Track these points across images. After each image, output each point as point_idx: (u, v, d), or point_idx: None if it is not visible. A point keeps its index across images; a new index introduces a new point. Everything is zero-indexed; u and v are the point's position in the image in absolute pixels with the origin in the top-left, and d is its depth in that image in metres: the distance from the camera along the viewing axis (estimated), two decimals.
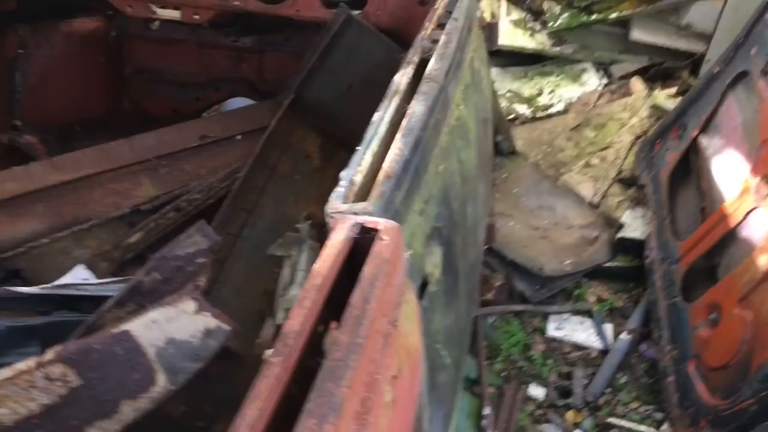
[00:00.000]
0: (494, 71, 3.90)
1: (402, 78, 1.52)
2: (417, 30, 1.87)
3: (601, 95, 3.71)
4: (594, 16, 3.72)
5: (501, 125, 3.19)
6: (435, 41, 1.69)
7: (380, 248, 1.00)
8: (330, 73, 2.39)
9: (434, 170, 1.45)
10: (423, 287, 1.34)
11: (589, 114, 3.56)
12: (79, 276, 1.97)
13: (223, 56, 2.99)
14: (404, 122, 1.33)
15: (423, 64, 1.58)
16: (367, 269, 0.97)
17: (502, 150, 3.27)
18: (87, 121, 3.12)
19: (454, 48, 1.68)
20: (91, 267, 2.08)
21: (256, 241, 2.27)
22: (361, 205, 1.11)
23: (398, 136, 1.29)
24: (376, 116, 1.36)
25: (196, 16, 2.41)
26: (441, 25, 1.78)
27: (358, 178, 1.19)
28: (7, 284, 1.88)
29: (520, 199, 3.19)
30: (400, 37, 2.35)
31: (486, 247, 2.71)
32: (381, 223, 1.04)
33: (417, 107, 1.38)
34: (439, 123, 1.50)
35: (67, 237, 2.17)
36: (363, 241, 1.02)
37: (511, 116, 3.67)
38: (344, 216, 1.07)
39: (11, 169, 2.47)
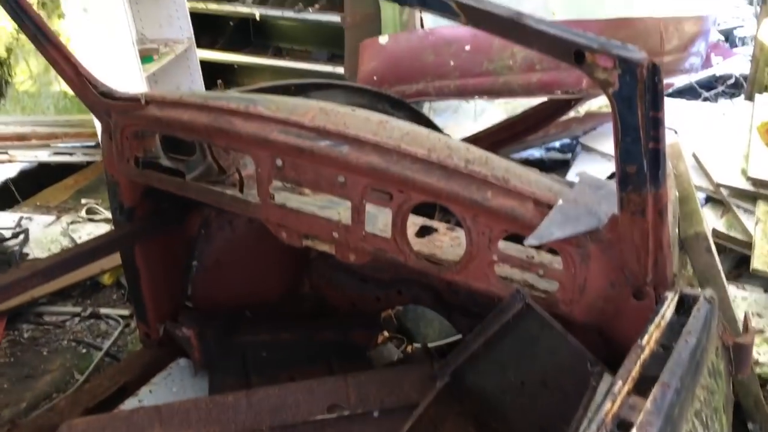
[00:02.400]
0: (760, 298, 2.89)
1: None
2: (627, 331, 1.46)
3: None
4: None
5: (751, 407, 2.23)
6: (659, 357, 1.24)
7: None
8: (499, 362, 1.73)
9: None
10: None
11: None
12: None
13: None
14: None
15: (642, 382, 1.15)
16: None
17: None
18: (261, 305, 2.84)
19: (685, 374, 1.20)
20: None
21: None
22: None
23: None
24: None
25: (352, 257, 1.94)
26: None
27: None
28: None
29: None
30: (602, 335, 1.63)
31: None
32: None
33: None
34: None
35: None
36: None
37: None
38: None
39: (117, 412, 2.20)
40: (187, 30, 4.60)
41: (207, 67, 4.98)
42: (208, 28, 5.04)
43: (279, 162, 1.92)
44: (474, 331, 1.74)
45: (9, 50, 4.80)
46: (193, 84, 4.76)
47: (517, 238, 1.65)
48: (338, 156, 1.79)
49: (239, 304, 2.81)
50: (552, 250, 1.64)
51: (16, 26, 4.75)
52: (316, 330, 2.73)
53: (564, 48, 1.20)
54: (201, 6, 5.03)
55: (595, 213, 1.53)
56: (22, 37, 4.82)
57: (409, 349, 3.06)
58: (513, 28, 1.25)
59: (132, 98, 2.19)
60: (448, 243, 1.98)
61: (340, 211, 1.95)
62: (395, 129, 1.85)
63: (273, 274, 2.80)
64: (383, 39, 3.60)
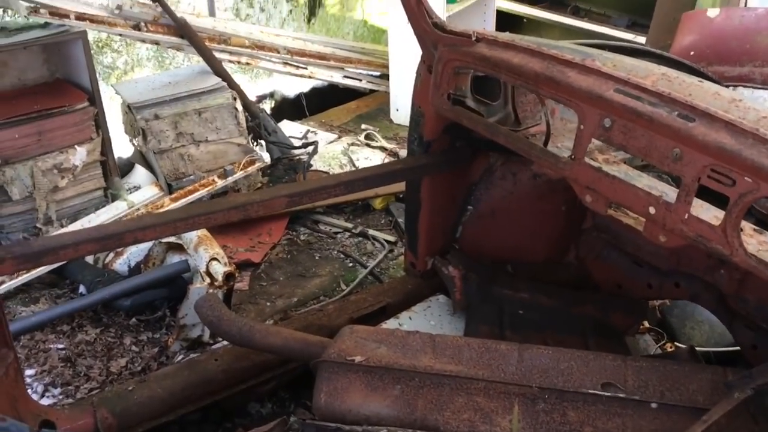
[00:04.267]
0: None
1: None
2: None
3: None
4: None
5: None
6: None
7: None
8: None
9: None
10: None
11: None
12: None
13: (701, 252, 2.28)
14: None
15: None
16: None
17: None
18: (522, 265, 2.80)
19: None
20: None
21: None
22: None
23: None
24: None
25: (662, 238, 1.80)
26: None
27: None
28: None
29: None
30: None
31: None
32: None
33: None
34: None
35: None
36: None
37: None
38: None
39: (395, 330, 2.29)
40: None
41: (499, 17, 4.95)
42: None
43: (607, 122, 1.82)
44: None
45: None
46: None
47: None
48: (681, 127, 1.65)
49: (503, 257, 2.80)
50: None
51: None
52: (577, 301, 2.63)
53: None
54: None
55: None
56: None
57: (668, 347, 2.86)
58: None
59: (463, 33, 2.20)
60: (758, 246, 1.77)
61: (644, 184, 1.82)
62: (750, 110, 1.66)
63: (543, 235, 2.74)
64: (712, 12, 3.28)
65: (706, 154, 1.62)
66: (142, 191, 3.58)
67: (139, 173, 3.77)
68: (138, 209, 3.44)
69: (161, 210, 3.33)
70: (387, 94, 4.86)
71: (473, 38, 2.16)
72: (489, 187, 2.69)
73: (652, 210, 1.78)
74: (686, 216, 1.70)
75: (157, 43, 4.04)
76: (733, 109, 1.64)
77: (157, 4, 3.80)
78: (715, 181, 1.63)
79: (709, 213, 1.72)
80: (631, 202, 1.84)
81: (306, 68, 4.68)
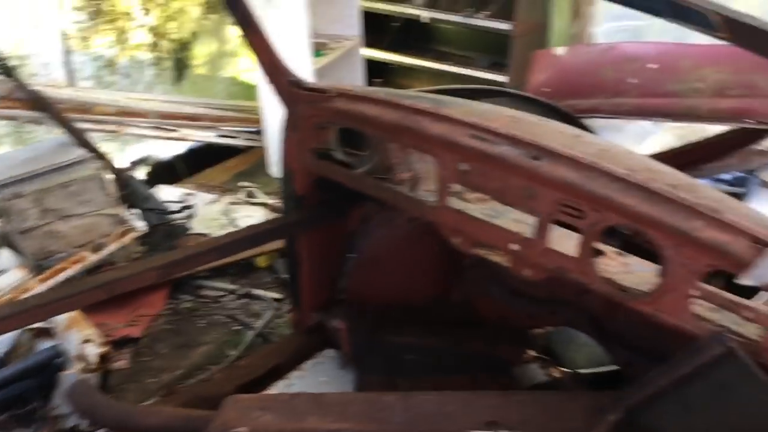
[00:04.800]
0: None
1: None
2: None
3: None
4: None
5: None
6: None
7: None
8: (684, 405, 1.60)
9: None
10: None
11: None
12: None
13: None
14: None
15: None
16: None
17: None
18: (410, 309, 2.83)
19: None
20: None
21: None
22: None
23: None
24: None
25: (528, 272, 1.87)
26: None
27: None
28: None
29: None
30: None
31: None
32: None
33: None
34: None
35: None
36: None
37: None
38: None
39: (279, 394, 2.25)
40: (356, 27, 4.69)
41: (367, 65, 5.07)
42: (373, 27, 5.12)
43: (464, 167, 1.88)
44: (659, 369, 1.62)
45: (194, 34, 5.09)
46: (356, 81, 4.85)
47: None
48: (530, 167, 1.73)
49: (390, 302, 2.81)
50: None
51: (203, 11, 5.05)
52: (464, 339, 2.67)
53: None
54: (371, 5, 5.12)
55: None
56: (206, 22, 5.12)
57: (554, 372, 2.94)
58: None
59: (321, 89, 2.23)
60: (618, 269, 1.87)
61: (507, 222, 1.89)
62: (591, 144, 1.77)
63: (426, 277, 2.78)
64: (560, 50, 3.49)
65: (554, 190, 1.70)
66: (6, 276, 3.36)
67: (4, 256, 3.55)
68: (4, 295, 3.23)
69: (29, 293, 3.14)
70: (264, 149, 4.85)
71: (329, 93, 2.19)
72: (367, 235, 2.70)
73: (514, 246, 1.84)
74: (546, 249, 1.77)
75: (13, 118, 3.85)
76: (576, 145, 1.74)
77: (8, 77, 3.63)
78: (568, 215, 1.71)
79: (570, 243, 1.80)
80: (495, 240, 1.89)
81: (178, 131, 4.59)
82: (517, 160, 1.75)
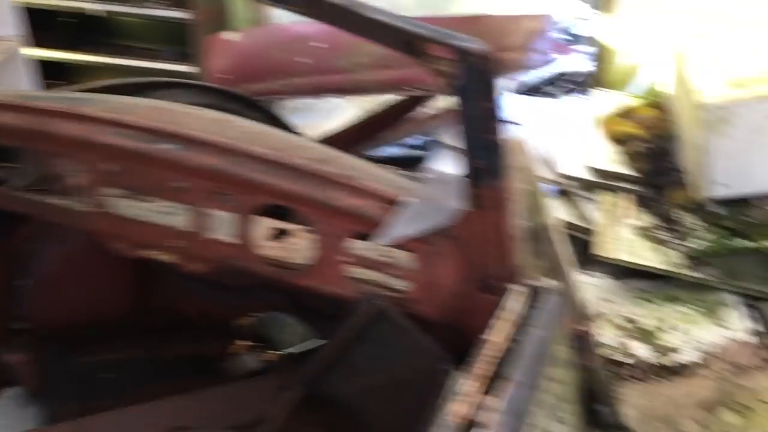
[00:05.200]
0: (607, 284, 3.04)
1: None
2: (481, 327, 1.37)
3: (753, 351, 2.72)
4: (747, 244, 2.99)
5: (601, 392, 2.32)
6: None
7: None
8: (354, 368, 1.67)
9: None
10: None
11: (730, 385, 2.58)
12: None
13: None
14: None
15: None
16: None
17: (605, 425, 2.37)
18: (107, 324, 2.62)
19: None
20: None
21: None
22: None
23: None
24: None
25: (197, 266, 1.81)
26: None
27: None
28: None
29: None
30: (461, 332, 1.61)
31: None
32: None
33: None
34: None
35: None
36: None
37: (625, 360, 2.75)
38: None
39: None
40: (14, 26, 4.21)
41: (48, 67, 4.63)
42: (41, 25, 4.65)
43: (111, 167, 1.75)
44: (329, 338, 1.68)
45: None
46: (26, 86, 4.37)
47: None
48: (175, 159, 1.66)
49: (83, 322, 2.59)
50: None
51: None
52: (167, 344, 2.56)
53: (397, 37, 1.15)
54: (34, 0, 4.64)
55: (443, 209, 1.50)
56: None
57: (268, 357, 2.94)
58: (345, 15, 1.19)
59: None
60: (305, 246, 1.90)
61: (186, 217, 1.81)
62: (237, 128, 1.75)
63: (117, 287, 2.61)
64: (232, 35, 3.46)
65: (203, 179, 1.65)
66: None
67: None
68: None
69: None
70: None
71: None
72: (41, 254, 2.45)
73: (176, 243, 1.77)
74: (205, 240, 1.72)
75: None
76: (220, 131, 1.71)
77: None
78: (222, 203, 1.68)
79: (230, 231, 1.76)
80: (156, 240, 1.81)
81: None
82: (161, 153, 1.68)
